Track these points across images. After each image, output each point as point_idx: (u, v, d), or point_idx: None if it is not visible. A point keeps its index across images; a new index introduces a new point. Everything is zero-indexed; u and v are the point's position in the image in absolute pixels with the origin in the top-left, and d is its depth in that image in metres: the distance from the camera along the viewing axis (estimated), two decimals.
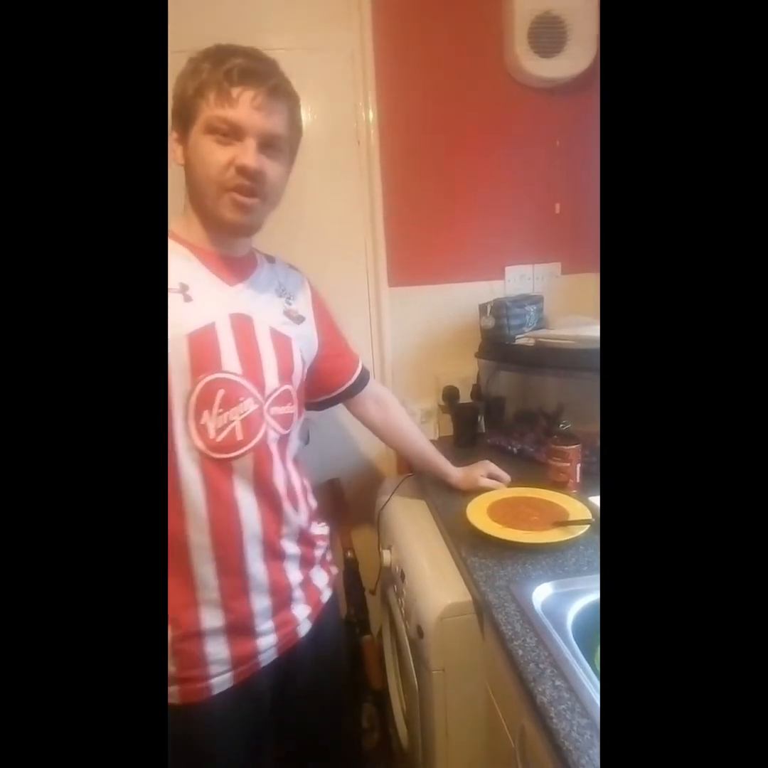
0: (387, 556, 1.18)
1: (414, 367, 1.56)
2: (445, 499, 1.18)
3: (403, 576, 1.07)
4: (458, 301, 1.53)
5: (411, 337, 1.54)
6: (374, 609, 1.42)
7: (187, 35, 1.30)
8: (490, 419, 1.52)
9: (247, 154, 0.77)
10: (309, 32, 1.36)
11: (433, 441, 1.51)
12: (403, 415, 1.19)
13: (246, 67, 0.77)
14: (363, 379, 1.12)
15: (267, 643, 0.85)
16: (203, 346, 0.78)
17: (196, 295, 0.80)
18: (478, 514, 1.05)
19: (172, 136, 0.83)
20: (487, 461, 1.22)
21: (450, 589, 0.96)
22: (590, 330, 1.27)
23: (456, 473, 1.20)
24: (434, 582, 0.99)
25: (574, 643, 0.75)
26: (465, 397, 1.53)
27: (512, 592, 0.85)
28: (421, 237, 1.50)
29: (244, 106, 0.77)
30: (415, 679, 1.03)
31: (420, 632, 0.96)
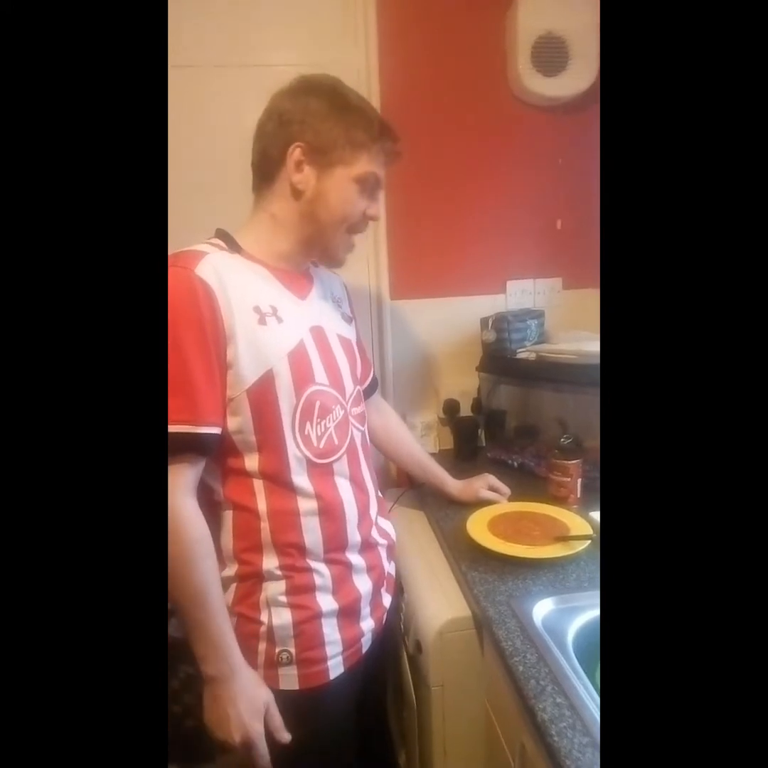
0: None
1: (415, 379, 1.56)
2: (445, 512, 1.17)
3: (402, 590, 1.06)
4: (460, 315, 1.53)
5: (412, 350, 1.55)
6: None
7: (194, 50, 1.32)
8: (491, 433, 1.51)
9: (380, 207, 0.90)
10: (315, 49, 1.38)
11: (433, 454, 1.51)
12: (402, 425, 1.22)
13: (387, 126, 0.87)
14: (376, 383, 1.14)
15: (367, 627, 0.90)
16: (300, 362, 0.83)
17: (284, 315, 0.83)
18: (478, 528, 1.05)
19: (303, 163, 0.83)
20: (487, 474, 1.22)
21: (450, 603, 0.95)
22: (591, 345, 1.27)
23: (455, 484, 1.20)
24: (434, 596, 0.98)
25: (575, 659, 0.74)
26: (466, 411, 1.52)
27: (513, 608, 0.84)
28: (424, 251, 1.51)
29: (385, 166, 0.88)
30: (414, 695, 1.02)
31: (419, 648, 0.95)
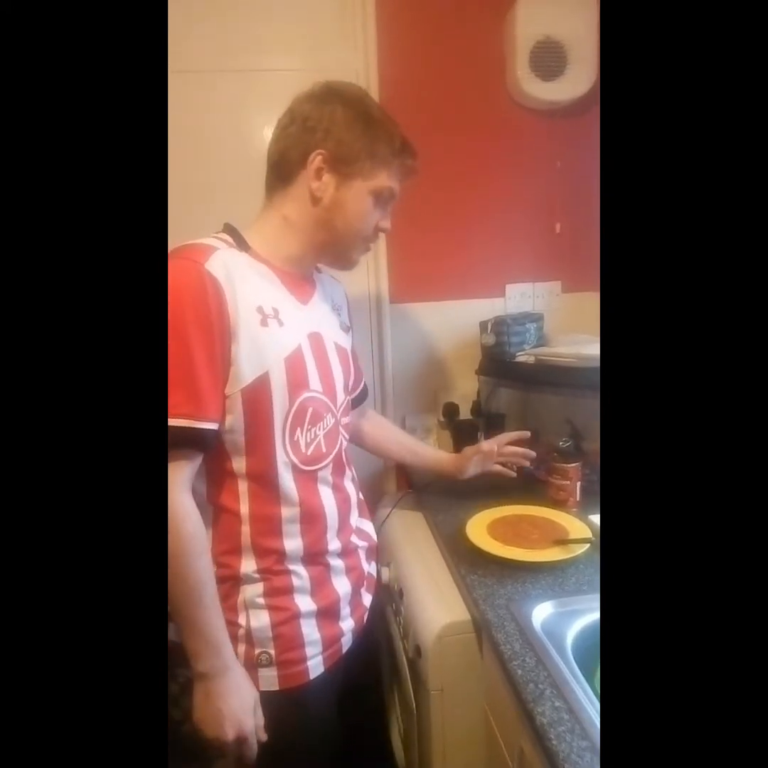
0: (386, 574, 1.17)
1: (415, 382, 1.56)
2: (444, 515, 1.17)
3: (401, 594, 1.06)
4: (459, 318, 1.54)
5: (412, 353, 1.55)
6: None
7: (193, 55, 1.33)
8: (490, 436, 1.51)
9: (390, 220, 0.91)
10: (314, 54, 1.39)
11: None
12: (386, 420, 1.26)
13: (407, 142, 0.87)
14: (365, 393, 1.14)
15: (347, 627, 0.91)
16: (296, 368, 0.83)
17: (285, 319, 0.83)
18: (477, 531, 1.05)
19: (323, 170, 0.83)
20: (479, 445, 1.20)
21: (449, 607, 0.95)
22: (590, 348, 1.27)
23: (450, 460, 1.20)
24: (433, 600, 0.98)
25: (573, 663, 0.74)
26: (465, 414, 1.53)
27: (512, 611, 0.84)
28: (423, 254, 1.51)
29: (402, 181, 0.89)
30: (413, 699, 1.02)
31: (418, 651, 0.95)
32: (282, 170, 0.86)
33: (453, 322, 1.54)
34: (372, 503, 1.43)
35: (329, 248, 0.89)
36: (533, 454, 1.18)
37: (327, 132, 0.82)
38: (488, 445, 1.18)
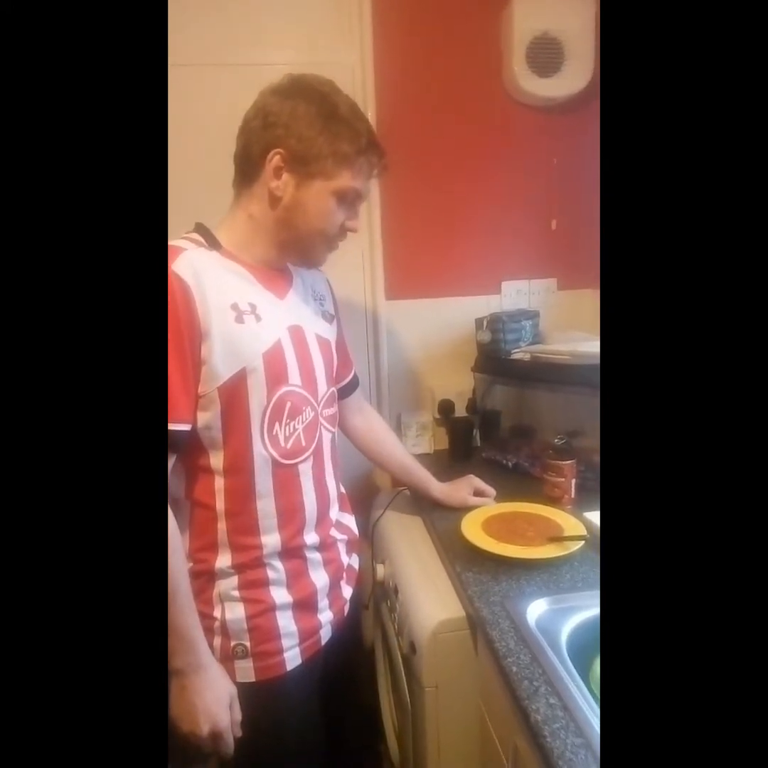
0: (380, 571, 1.17)
1: (410, 380, 1.56)
2: (439, 513, 1.17)
3: (396, 591, 1.06)
4: (455, 315, 1.53)
5: (407, 351, 1.55)
6: (367, 624, 1.41)
7: (188, 49, 1.32)
8: (486, 433, 1.51)
9: (358, 220, 0.90)
10: (310, 48, 1.38)
11: (428, 455, 1.52)
12: (385, 426, 1.19)
13: (374, 140, 0.85)
14: (355, 382, 1.13)
15: (326, 619, 0.91)
16: (275, 362, 0.82)
17: (263, 314, 0.82)
18: (472, 528, 1.04)
19: (282, 170, 0.82)
20: (472, 476, 1.21)
21: (444, 604, 0.95)
22: (586, 345, 1.27)
23: (440, 488, 1.19)
24: (428, 597, 0.98)
25: (568, 660, 0.74)
26: (460, 411, 1.52)
27: (506, 608, 0.84)
28: (419, 251, 1.51)
29: (369, 180, 0.88)
30: (408, 695, 1.02)
31: (413, 648, 0.95)
32: (245, 167, 0.85)
33: (449, 319, 1.54)
34: (366, 500, 1.43)
35: (292, 247, 0.88)
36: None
37: (287, 128, 0.80)
38: (483, 500, 1.17)
